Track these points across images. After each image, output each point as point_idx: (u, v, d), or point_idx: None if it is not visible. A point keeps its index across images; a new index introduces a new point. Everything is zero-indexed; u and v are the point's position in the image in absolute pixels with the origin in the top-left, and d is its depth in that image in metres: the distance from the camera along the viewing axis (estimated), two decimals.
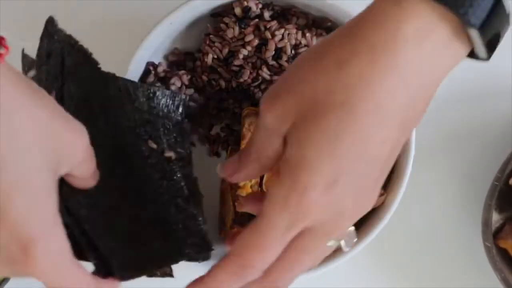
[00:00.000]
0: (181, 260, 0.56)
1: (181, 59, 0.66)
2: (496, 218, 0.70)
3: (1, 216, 0.44)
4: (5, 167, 0.43)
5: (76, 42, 0.53)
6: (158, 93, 0.55)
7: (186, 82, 0.65)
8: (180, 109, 0.57)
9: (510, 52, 0.68)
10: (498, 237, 0.69)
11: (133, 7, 0.70)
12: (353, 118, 0.45)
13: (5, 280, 0.70)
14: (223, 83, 0.64)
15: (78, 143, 0.48)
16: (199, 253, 0.55)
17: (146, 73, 0.65)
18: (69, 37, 0.54)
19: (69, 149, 0.47)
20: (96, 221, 0.54)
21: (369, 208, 0.48)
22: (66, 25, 0.53)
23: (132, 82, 0.54)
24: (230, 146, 0.67)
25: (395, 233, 0.70)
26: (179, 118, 0.57)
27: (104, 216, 0.55)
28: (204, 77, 0.65)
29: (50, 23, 0.54)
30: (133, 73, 0.65)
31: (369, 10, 0.46)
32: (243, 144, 0.61)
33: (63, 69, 0.54)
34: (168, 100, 0.57)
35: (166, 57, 0.66)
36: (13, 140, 0.44)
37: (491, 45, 0.46)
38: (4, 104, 0.43)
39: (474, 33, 0.45)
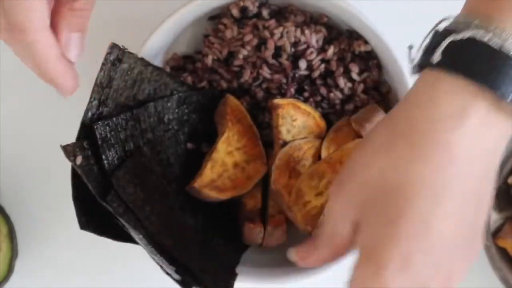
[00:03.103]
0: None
1: (180, 63, 0.66)
2: (495, 217, 0.70)
3: None
4: None
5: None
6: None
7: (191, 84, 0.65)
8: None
9: None
10: (498, 236, 0.69)
11: (131, 11, 0.70)
12: (406, 200, 0.46)
13: (5, 280, 0.70)
14: (224, 84, 0.64)
15: None
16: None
17: None
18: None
19: None
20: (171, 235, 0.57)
21: (460, 278, 0.49)
22: None
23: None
24: None
25: None
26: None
27: (176, 228, 0.58)
28: (206, 79, 0.65)
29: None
30: None
31: (409, 93, 0.48)
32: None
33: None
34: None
35: (167, 63, 0.66)
36: None
37: None
38: None
39: None
